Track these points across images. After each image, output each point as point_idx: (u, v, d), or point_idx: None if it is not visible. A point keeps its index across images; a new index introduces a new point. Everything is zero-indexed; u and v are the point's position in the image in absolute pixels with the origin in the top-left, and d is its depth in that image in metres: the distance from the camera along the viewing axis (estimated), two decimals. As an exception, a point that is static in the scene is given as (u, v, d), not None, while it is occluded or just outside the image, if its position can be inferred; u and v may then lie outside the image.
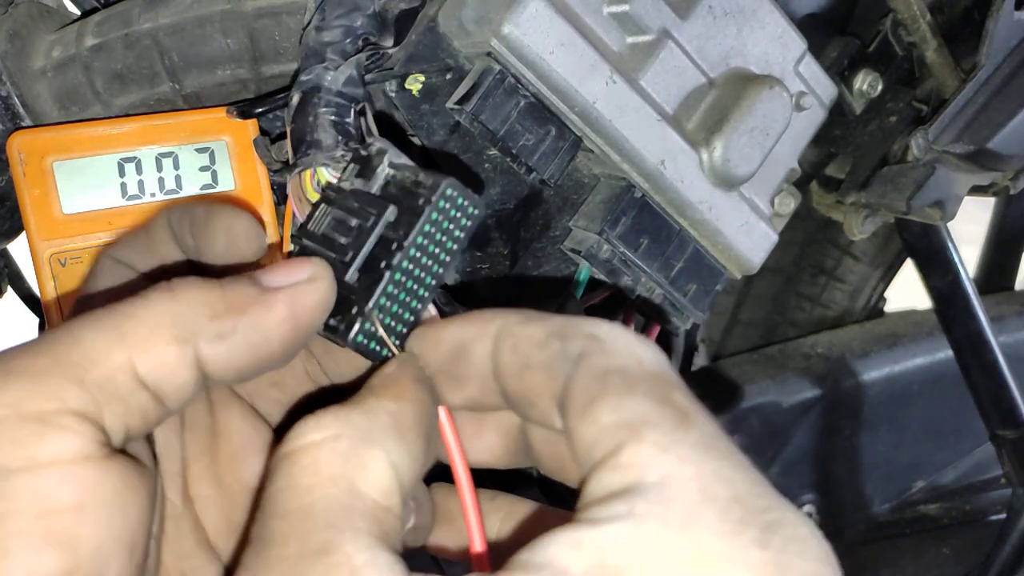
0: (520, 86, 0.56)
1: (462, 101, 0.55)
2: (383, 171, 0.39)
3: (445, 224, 0.37)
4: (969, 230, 1.19)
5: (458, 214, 0.37)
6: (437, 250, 0.37)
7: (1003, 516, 0.94)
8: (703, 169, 0.60)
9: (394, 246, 0.36)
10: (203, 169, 0.56)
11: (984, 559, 0.93)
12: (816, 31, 0.71)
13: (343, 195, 0.39)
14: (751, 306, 1.32)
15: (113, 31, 0.56)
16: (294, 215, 0.48)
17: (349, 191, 0.39)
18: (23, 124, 0.55)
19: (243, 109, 0.54)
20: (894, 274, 1.28)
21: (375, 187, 0.39)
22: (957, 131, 0.68)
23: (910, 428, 1.10)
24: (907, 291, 1.23)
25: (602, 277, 0.62)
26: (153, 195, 0.55)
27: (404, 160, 0.39)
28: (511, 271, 0.64)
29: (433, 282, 0.37)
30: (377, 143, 0.40)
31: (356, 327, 0.36)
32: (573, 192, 0.64)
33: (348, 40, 0.51)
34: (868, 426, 1.06)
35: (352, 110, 0.50)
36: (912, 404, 1.08)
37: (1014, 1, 0.65)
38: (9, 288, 0.72)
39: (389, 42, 0.53)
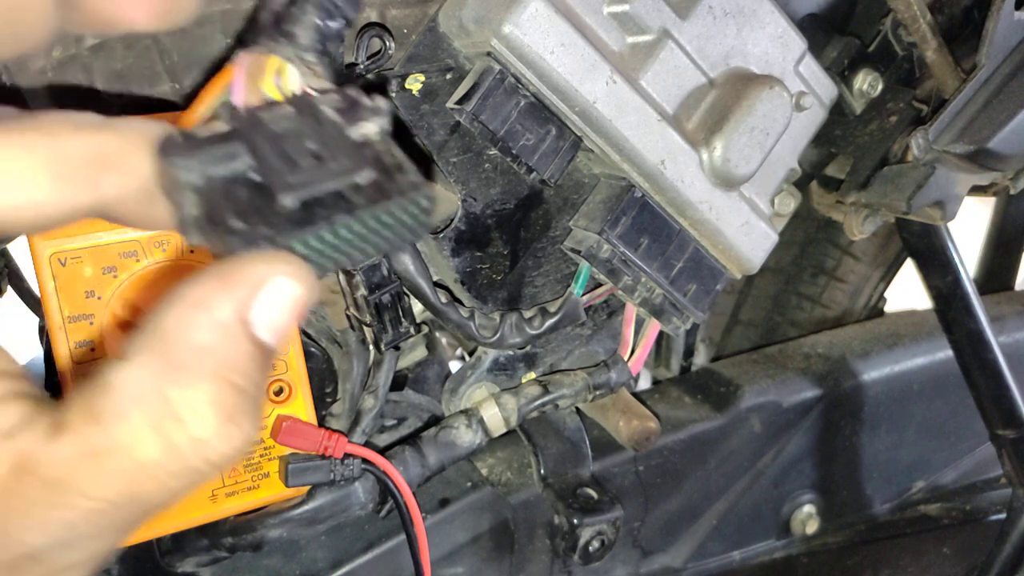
0: (520, 86, 0.55)
1: (462, 101, 0.55)
2: (370, 129, 0.36)
3: (396, 224, 0.35)
4: (969, 230, 1.18)
5: (412, 223, 0.35)
6: (371, 238, 0.35)
7: (1003, 516, 0.94)
8: (703, 169, 0.60)
9: (343, 206, 0.33)
10: (203, 169, 0.56)
11: (984, 559, 0.93)
12: (816, 31, 0.71)
13: (316, 118, 0.36)
14: (751, 306, 1.32)
15: (113, 31, 0.56)
16: (231, 89, 0.40)
17: (327, 119, 0.36)
18: (23, 124, 0.55)
19: (243, 109, 0.53)
20: (894, 274, 1.28)
21: (354, 136, 0.36)
22: (957, 131, 0.68)
23: (910, 428, 1.10)
24: (907, 291, 1.23)
25: (602, 277, 0.62)
26: (153, 195, 0.55)
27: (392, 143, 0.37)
28: (511, 271, 0.64)
29: (344, 260, 0.35)
30: (383, 104, 0.37)
31: (254, 249, 0.32)
32: (573, 192, 0.64)
33: None
34: (868, 426, 1.06)
35: (340, 26, 0.46)
36: (912, 404, 1.08)
37: (1014, 1, 0.65)
38: (9, 288, 0.72)
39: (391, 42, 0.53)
